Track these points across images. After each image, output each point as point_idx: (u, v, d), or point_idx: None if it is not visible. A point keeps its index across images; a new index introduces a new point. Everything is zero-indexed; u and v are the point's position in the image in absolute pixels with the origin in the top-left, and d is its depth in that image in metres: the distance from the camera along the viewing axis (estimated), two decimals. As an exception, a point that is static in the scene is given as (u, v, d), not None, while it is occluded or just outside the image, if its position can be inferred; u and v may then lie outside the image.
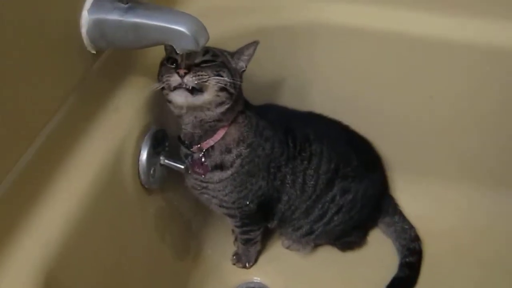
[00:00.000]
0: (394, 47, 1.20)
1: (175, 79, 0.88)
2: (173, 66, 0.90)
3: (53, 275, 0.72)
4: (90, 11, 0.79)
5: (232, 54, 0.97)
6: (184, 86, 0.87)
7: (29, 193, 0.76)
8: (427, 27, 1.17)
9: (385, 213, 1.29)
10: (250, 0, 1.23)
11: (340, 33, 1.21)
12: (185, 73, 0.87)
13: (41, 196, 0.77)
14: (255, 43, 0.96)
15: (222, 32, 1.04)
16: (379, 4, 1.18)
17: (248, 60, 0.97)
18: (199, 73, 0.88)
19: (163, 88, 0.91)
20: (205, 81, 0.88)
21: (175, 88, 0.89)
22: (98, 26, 0.79)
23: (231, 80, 0.91)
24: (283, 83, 1.30)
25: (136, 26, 0.78)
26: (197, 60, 0.90)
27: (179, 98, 0.89)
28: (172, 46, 0.92)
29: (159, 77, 0.93)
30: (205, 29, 0.79)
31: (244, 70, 0.98)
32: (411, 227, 1.27)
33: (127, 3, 0.78)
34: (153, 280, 1.05)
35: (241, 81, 0.96)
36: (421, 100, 1.26)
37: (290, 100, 1.24)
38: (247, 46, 0.96)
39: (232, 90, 0.92)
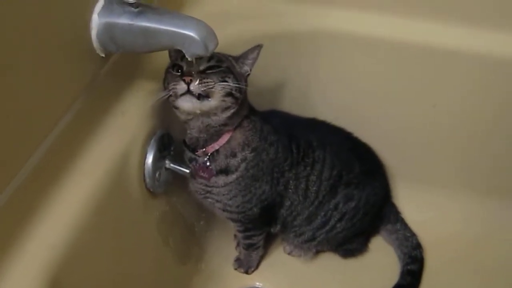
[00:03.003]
0: (397, 55, 1.21)
1: (181, 87, 0.88)
2: (178, 73, 0.90)
3: (57, 278, 0.73)
4: (100, 14, 0.80)
5: (237, 59, 0.98)
6: (190, 93, 0.88)
7: (35, 195, 0.76)
8: (431, 36, 1.18)
9: (387, 221, 1.29)
10: (254, 7, 1.25)
11: (344, 41, 1.22)
12: (191, 80, 0.88)
13: (47, 198, 0.77)
14: (259, 47, 0.96)
15: (226, 38, 1.05)
16: (382, 12, 1.19)
17: (253, 64, 0.98)
18: (205, 80, 0.88)
19: (169, 96, 0.91)
20: (211, 88, 0.89)
21: (182, 94, 0.89)
22: (108, 30, 0.80)
23: (237, 84, 0.92)
24: (286, 90, 1.30)
25: (146, 30, 0.79)
26: (202, 67, 0.90)
27: (186, 104, 0.89)
28: (176, 53, 0.94)
29: (165, 84, 0.93)
30: (214, 34, 0.80)
31: (248, 74, 0.98)
32: (413, 234, 1.28)
33: (137, 7, 0.79)
34: (156, 283, 1.05)
35: (246, 85, 0.96)
36: (423, 109, 1.26)
37: (293, 106, 1.25)
38: (251, 50, 0.97)
39: (237, 95, 0.93)
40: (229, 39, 1.11)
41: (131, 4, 0.79)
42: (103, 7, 0.80)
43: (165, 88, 0.92)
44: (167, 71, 0.95)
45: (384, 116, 1.30)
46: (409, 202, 1.35)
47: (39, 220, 0.75)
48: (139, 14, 0.79)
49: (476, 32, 1.15)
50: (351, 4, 1.21)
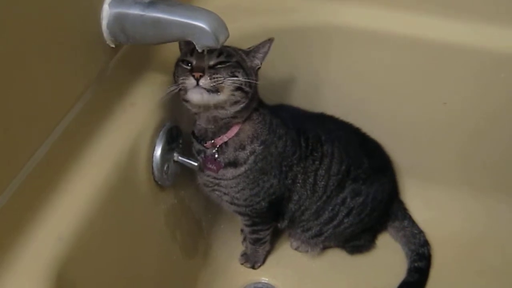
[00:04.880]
0: (407, 51, 1.20)
1: (190, 82, 0.88)
2: (188, 67, 0.90)
3: (65, 271, 0.72)
4: (111, 4, 0.79)
5: (247, 52, 0.97)
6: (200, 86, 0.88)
7: (43, 187, 0.76)
8: (441, 32, 1.17)
9: (394, 218, 1.29)
10: (265, 1, 1.24)
11: (354, 36, 1.22)
12: (201, 76, 0.87)
13: (55, 190, 0.77)
14: (270, 41, 0.96)
15: (237, 31, 1.05)
16: (393, 7, 1.19)
17: (263, 58, 0.97)
18: (214, 76, 0.88)
19: (179, 89, 0.91)
20: (221, 83, 0.88)
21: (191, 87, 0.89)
22: (118, 20, 0.80)
23: (247, 80, 0.91)
24: (295, 84, 1.30)
25: (157, 21, 0.79)
26: (212, 62, 0.90)
27: (196, 96, 0.89)
28: (186, 47, 0.93)
29: (175, 77, 0.93)
30: (225, 26, 0.79)
31: (259, 68, 0.98)
32: (421, 232, 1.27)
33: (148, -2, 0.79)
34: (163, 277, 1.05)
35: (256, 79, 0.96)
36: (433, 106, 1.26)
37: (302, 101, 1.24)
38: (262, 44, 0.96)
39: (247, 89, 0.92)
40: (240, 32, 1.10)
41: (141, -5, 0.79)
42: (114, -3, 0.80)
43: (175, 81, 0.92)
44: (177, 64, 0.94)
45: (393, 112, 1.29)
46: (417, 199, 1.34)
47: (46, 212, 0.75)
48: (150, 5, 0.79)
49: (487, 28, 1.14)
50: (362, -1, 1.20)
